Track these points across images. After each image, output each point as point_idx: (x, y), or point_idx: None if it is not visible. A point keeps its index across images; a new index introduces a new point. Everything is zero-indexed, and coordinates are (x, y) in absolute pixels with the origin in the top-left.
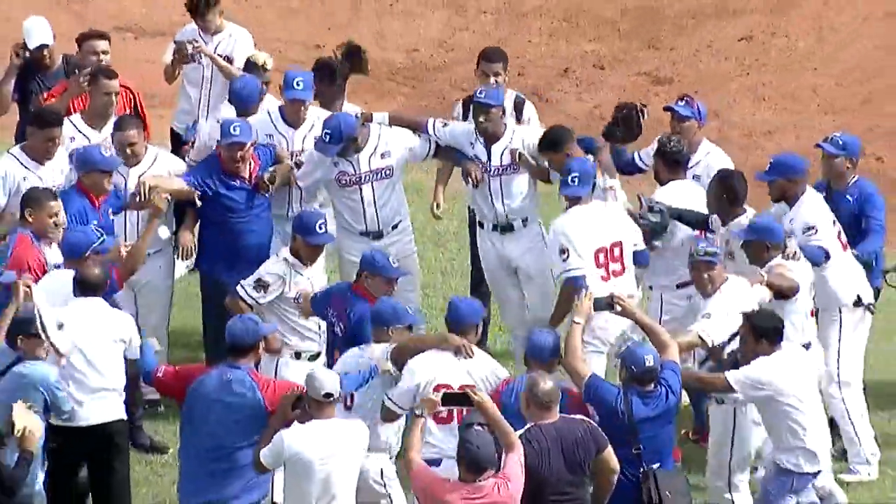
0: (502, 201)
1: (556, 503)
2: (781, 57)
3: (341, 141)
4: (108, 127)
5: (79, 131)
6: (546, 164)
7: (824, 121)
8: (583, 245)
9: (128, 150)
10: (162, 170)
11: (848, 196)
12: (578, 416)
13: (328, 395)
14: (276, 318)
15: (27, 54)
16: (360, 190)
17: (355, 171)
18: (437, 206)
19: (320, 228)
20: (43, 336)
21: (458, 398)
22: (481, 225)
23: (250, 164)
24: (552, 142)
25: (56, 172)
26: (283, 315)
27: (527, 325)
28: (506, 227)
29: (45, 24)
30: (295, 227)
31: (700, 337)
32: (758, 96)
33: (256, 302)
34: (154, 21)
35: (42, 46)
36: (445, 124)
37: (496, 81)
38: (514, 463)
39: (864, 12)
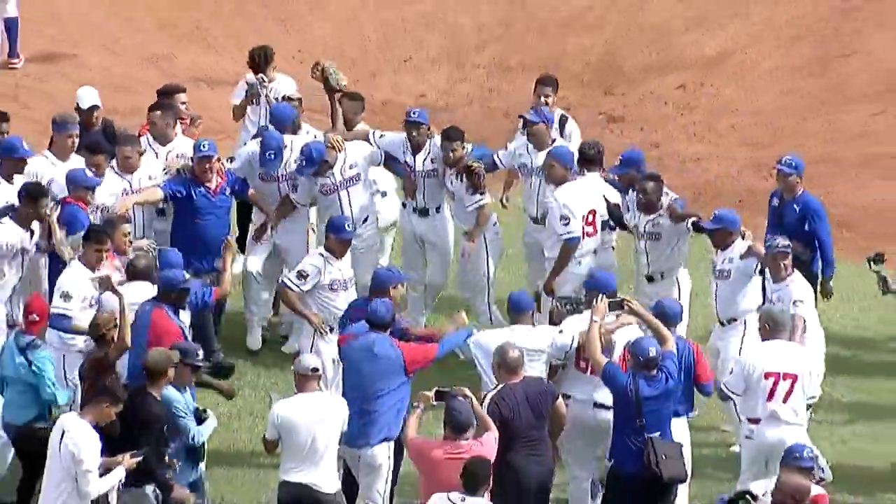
0: (423, 195)
1: (526, 444)
2: (709, 102)
3: (315, 164)
4: (170, 145)
5: (150, 146)
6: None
7: (742, 151)
8: (578, 211)
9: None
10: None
11: (794, 206)
12: (537, 376)
13: (315, 369)
14: (313, 301)
15: (78, 116)
16: (339, 195)
17: (333, 182)
18: (506, 199)
19: (348, 227)
20: None
21: (448, 395)
22: (404, 206)
23: (217, 179)
24: (449, 134)
25: (144, 179)
26: (320, 299)
27: (433, 286)
28: (423, 212)
29: (95, 92)
30: (328, 228)
31: (803, 320)
32: (690, 132)
33: (300, 289)
34: (222, 72)
35: (93, 108)
36: (382, 135)
37: (546, 101)
38: (490, 438)
39: (773, 67)
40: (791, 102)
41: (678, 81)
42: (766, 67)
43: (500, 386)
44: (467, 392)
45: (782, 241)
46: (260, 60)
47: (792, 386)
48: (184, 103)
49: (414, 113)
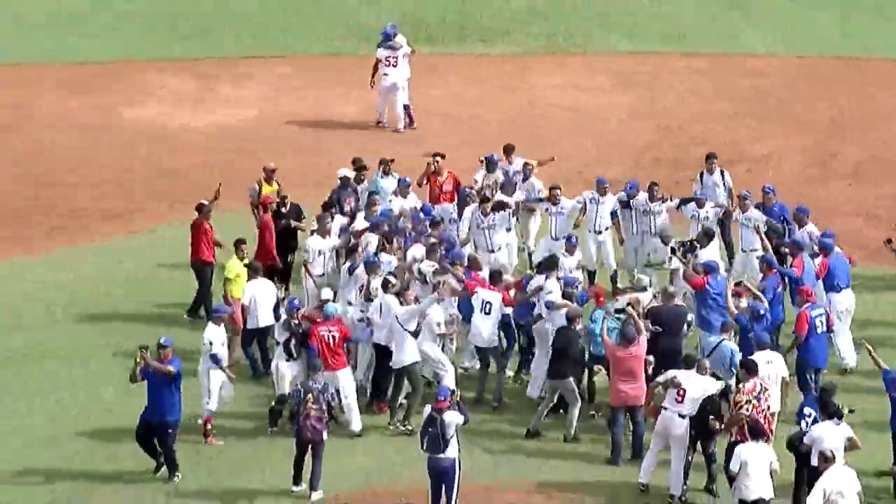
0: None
1: (669, 346)
2: (761, 180)
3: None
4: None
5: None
6: None
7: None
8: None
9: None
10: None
11: (774, 208)
12: (684, 305)
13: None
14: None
15: (349, 177)
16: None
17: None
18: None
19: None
20: None
21: (624, 310)
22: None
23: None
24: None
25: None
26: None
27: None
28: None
29: (348, 170)
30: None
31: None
32: (754, 194)
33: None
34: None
35: (348, 177)
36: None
37: (711, 167)
38: (642, 340)
39: (796, 163)
40: (803, 180)
41: (745, 167)
42: (791, 161)
43: (661, 304)
44: (632, 312)
45: (742, 194)
46: (358, 167)
47: None
48: (437, 162)
49: (468, 194)
